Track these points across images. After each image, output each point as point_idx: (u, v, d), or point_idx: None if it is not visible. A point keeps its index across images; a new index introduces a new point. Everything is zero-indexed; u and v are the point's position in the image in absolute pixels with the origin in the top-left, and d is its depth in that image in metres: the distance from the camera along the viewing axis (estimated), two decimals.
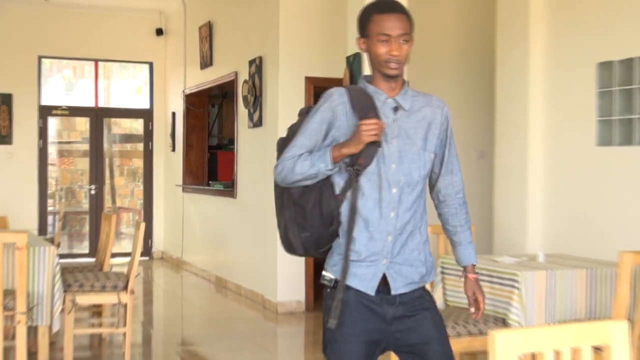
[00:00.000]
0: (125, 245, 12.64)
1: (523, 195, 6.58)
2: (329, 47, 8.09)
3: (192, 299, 9.55)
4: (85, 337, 6.79)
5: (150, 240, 13.03)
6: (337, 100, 2.86)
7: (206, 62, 10.87)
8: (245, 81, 9.28)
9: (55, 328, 5.58)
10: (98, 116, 12.79)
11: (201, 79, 11.13)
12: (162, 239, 13.15)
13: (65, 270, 6.13)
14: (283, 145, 2.98)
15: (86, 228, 12.91)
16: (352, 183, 2.82)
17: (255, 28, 9.02)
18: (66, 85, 12.80)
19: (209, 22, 10.71)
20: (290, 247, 3.02)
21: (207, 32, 10.75)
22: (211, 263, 10.70)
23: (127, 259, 7.08)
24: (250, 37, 9.25)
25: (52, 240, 7.91)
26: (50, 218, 12.39)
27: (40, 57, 12.23)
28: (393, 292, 2.82)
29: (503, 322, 4.62)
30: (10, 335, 5.24)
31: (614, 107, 5.81)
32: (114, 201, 13.33)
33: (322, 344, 2.99)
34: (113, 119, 13.18)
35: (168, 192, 12.90)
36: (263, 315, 8.20)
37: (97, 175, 12.81)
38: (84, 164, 12.90)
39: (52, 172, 12.64)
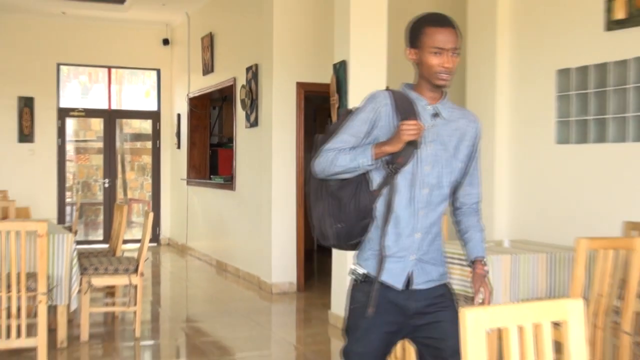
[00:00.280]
0: (135, 233, 12.62)
1: (491, 188, 6.60)
2: (318, 55, 8.08)
3: (196, 281, 9.54)
4: (99, 315, 6.78)
5: (158, 228, 13.00)
6: (381, 102, 2.80)
7: (208, 69, 10.86)
8: (242, 86, 9.27)
9: (73, 307, 5.57)
10: (111, 117, 12.77)
11: (203, 84, 11.11)
12: (169, 227, 13.13)
13: (81, 255, 6.12)
14: (322, 141, 2.85)
15: (100, 217, 12.89)
16: (389, 180, 2.73)
17: (252, 38, 9.00)
18: (82, 89, 12.76)
19: (210, 33, 10.69)
20: (323, 237, 2.91)
21: (209, 42, 10.73)
22: (212, 248, 10.70)
23: (137, 245, 7.08)
24: (247, 46, 9.24)
25: (69, 229, 7.91)
26: (68, 208, 12.37)
27: (58, 64, 12.19)
28: (413, 287, 2.75)
29: (472, 300, 4.63)
30: (32, 313, 5.23)
31: (571, 109, 5.84)
32: (125, 193, 13.30)
33: (343, 326, 2.87)
34: (124, 120, 13.15)
35: (174, 185, 12.88)
36: (259, 295, 8.20)
37: (110, 170, 12.79)
38: (98, 160, 12.88)
39: (70, 167, 12.61)
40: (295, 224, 8.36)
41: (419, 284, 2.76)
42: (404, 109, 2.72)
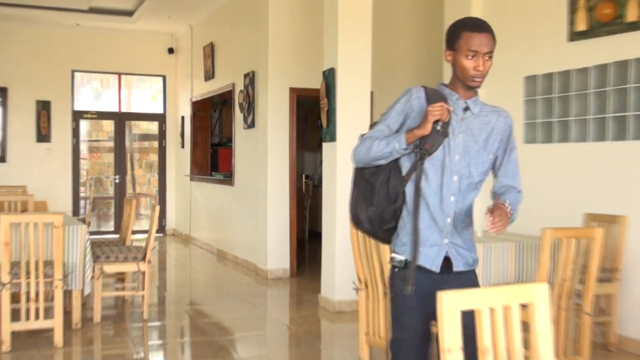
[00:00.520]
0: (143, 224, 12.59)
1: None
2: (309, 63, 8.07)
3: (198, 268, 9.54)
4: (111, 299, 6.77)
5: (164, 220, 12.99)
6: (414, 95, 2.72)
7: (209, 75, 10.83)
8: (240, 91, 9.25)
9: (87, 291, 5.56)
10: (121, 119, 12.73)
11: (205, 89, 11.08)
12: (174, 219, 13.11)
13: (94, 245, 6.11)
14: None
15: (111, 210, 12.86)
16: (418, 166, 2.65)
17: (249, 48, 8.99)
18: (94, 94, 12.73)
19: (211, 42, 10.66)
20: (357, 221, 2.81)
21: (210, 51, 10.70)
22: (213, 238, 10.69)
23: (145, 235, 7.06)
24: (244, 55, 9.22)
25: (83, 220, 7.88)
26: (82, 202, 12.33)
27: (73, 71, 12.14)
28: (455, 269, 2.66)
29: None
30: (49, 297, 5.22)
31: (537, 112, 5.86)
32: (134, 188, 13.25)
33: (391, 316, 2.78)
34: (133, 122, 13.10)
35: (178, 181, 12.86)
36: (256, 280, 8.20)
37: (120, 167, 12.77)
38: (109, 158, 12.84)
39: (84, 164, 12.56)
40: (289, 216, 8.36)
41: (459, 266, 2.68)
42: (435, 100, 2.63)
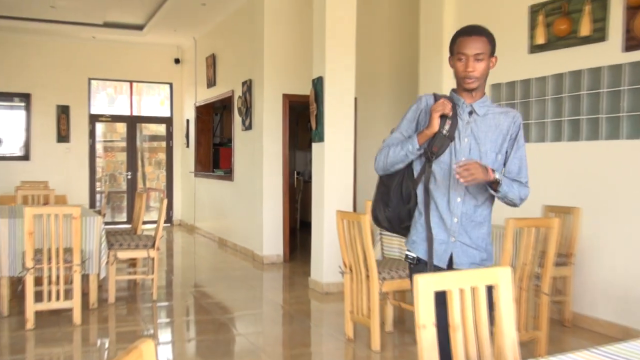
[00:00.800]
0: (153, 215, 12.54)
1: None
2: (300, 72, 8.07)
3: (202, 254, 9.51)
4: (124, 282, 6.75)
5: (171, 212, 12.96)
6: (422, 102, 2.64)
7: (211, 82, 10.80)
8: (239, 97, 9.23)
9: (102, 275, 5.54)
10: (132, 122, 12.68)
11: (207, 95, 11.05)
12: (180, 211, 13.07)
13: (109, 234, 6.08)
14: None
15: (124, 203, 12.81)
16: (427, 168, 2.58)
17: (247, 58, 8.96)
18: (109, 99, 12.66)
19: (213, 54, 10.63)
20: (377, 220, 2.75)
21: (212, 61, 10.67)
22: (215, 228, 10.67)
23: (154, 225, 7.04)
24: (242, 65, 9.20)
25: (99, 212, 7.84)
26: (97, 196, 12.28)
27: (89, 79, 12.07)
28: (455, 267, 2.56)
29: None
30: (69, 281, 5.19)
31: None
32: (144, 183, 13.20)
33: None
34: (143, 124, 13.03)
35: (184, 177, 12.82)
36: (253, 264, 8.19)
37: (132, 164, 12.71)
38: (122, 156, 12.79)
39: (99, 162, 12.49)
40: (282, 207, 8.36)
41: (460, 264, 2.57)
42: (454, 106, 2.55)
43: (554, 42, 5.37)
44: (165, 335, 5.04)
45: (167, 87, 12.93)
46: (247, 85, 8.82)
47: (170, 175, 13.09)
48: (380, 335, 4.53)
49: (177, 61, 12.67)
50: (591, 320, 5.07)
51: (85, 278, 5.65)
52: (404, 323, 5.27)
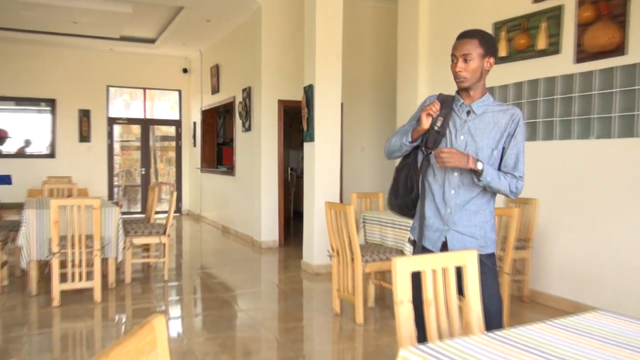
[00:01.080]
0: (164, 206, 12.49)
1: None
2: (293, 80, 8.05)
3: (207, 240, 9.49)
4: (138, 265, 6.73)
5: (180, 203, 12.91)
6: (427, 100, 2.59)
7: (215, 89, 10.75)
8: (240, 102, 9.20)
9: (119, 259, 5.52)
10: (146, 124, 12.60)
11: (212, 100, 11.00)
12: (188, 202, 13.03)
13: (125, 222, 6.06)
14: None
15: (139, 195, 12.74)
16: (424, 161, 2.53)
17: (246, 68, 8.93)
18: (125, 104, 12.57)
19: (217, 64, 10.58)
20: (391, 208, 2.69)
21: (216, 71, 10.62)
22: (219, 217, 10.64)
23: (165, 215, 7.03)
24: (243, 74, 9.16)
25: (116, 203, 7.78)
26: (115, 189, 12.21)
27: (107, 86, 11.97)
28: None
29: (401, 252, 4.66)
30: (90, 264, 5.17)
31: None
32: (156, 178, 13.14)
33: None
34: (155, 126, 12.96)
35: (191, 172, 12.77)
36: (252, 249, 8.18)
37: (145, 162, 12.64)
38: (137, 154, 12.71)
39: (116, 160, 12.41)
40: (277, 199, 8.35)
41: (453, 250, 2.45)
42: (443, 102, 2.50)
43: (515, 55, 5.38)
44: (175, 311, 5.03)
45: (176, 93, 12.86)
46: (247, 92, 8.79)
47: (179, 171, 13.03)
48: (363, 310, 4.55)
49: (185, 71, 12.60)
50: (546, 297, 5.11)
51: (104, 261, 5.63)
52: (384, 299, 5.29)
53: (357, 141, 8.62)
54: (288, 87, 8.16)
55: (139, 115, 12.54)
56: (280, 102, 8.23)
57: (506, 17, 5.49)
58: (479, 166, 2.36)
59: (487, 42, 2.42)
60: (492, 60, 2.43)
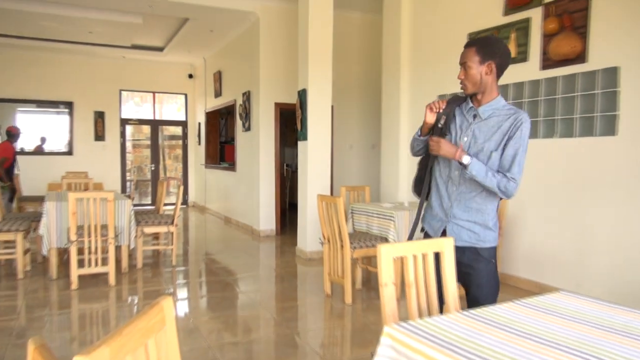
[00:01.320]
0: (172, 199, 12.44)
1: (396, 169, 6.65)
2: (288, 85, 8.02)
3: (211, 229, 9.47)
4: (149, 251, 6.70)
5: (186, 196, 12.87)
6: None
7: (218, 93, 10.70)
8: (240, 104, 9.16)
9: (132, 246, 5.50)
10: (155, 125, 12.52)
11: (215, 103, 10.95)
12: (194, 195, 12.98)
13: (137, 213, 6.03)
14: None
15: (149, 189, 12.68)
16: (431, 157, 2.48)
17: (246, 74, 8.89)
18: (136, 106, 12.49)
19: (219, 70, 10.52)
20: (415, 193, 2.62)
21: (218, 76, 10.57)
22: (222, 208, 10.61)
23: (173, 206, 6.99)
24: (242, 79, 9.12)
25: (129, 196, 7.76)
26: (127, 183, 12.14)
27: (120, 90, 11.90)
28: None
29: (385, 240, 4.67)
30: (105, 250, 5.15)
31: None
32: (165, 173, 13.08)
33: None
34: (164, 126, 12.90)
35: (197, 168, 12.72)
36: (251, 237, 8.17)
37: (155, 158, 12.58)
38: (147, 152, 12.64)
39: (129, 157, 12.33)
40: (274, 192, 8.34)
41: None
42: (451, 103, 2.45)
43: None
44: (182, 293, 5.02)
45: (183, 97, 12.79)
46: (247, 96, 8.75)
47: (186, 167, 12.98)
48: (351, 292, 4.56)
49: (190, 76, 12.54)
50: (515, 279, 5.14)
51: (118, 248, 5.61)
52: (370, 282, 5.30)
53: (346, 140, 8.61)
54: (283, 91, 8.13)
55: (149, 116, 12.47)
56: (277, 104, 8.20)
57: (480, 28, 5.49)
58: (465, 160, 2.27)
59: (485, 48, 2.30)
60: (492, 64, 2.31)
